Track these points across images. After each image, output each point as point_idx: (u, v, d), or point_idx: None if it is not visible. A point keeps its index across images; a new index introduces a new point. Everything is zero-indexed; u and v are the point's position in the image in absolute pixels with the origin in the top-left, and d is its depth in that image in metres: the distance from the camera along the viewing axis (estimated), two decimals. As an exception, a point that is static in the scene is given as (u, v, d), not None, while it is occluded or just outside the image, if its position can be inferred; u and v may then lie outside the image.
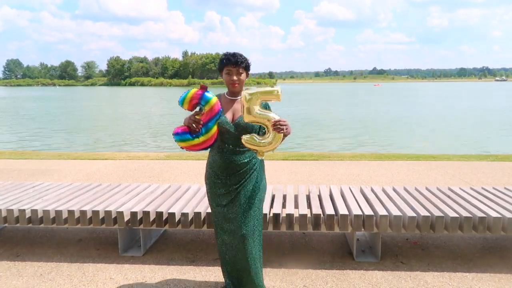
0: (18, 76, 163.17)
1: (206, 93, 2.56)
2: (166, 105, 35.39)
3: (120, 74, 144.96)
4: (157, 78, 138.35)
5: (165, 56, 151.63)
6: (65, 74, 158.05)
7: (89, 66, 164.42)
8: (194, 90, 2.58)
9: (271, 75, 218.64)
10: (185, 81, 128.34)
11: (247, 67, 2.67)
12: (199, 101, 2.56)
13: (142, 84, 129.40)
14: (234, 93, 2.72)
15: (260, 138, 2.50)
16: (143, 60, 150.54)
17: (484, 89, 79.54)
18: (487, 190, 3.87)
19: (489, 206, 3.35)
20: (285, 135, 2.47)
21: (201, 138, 2.56)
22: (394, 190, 3.90)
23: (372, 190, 3.87)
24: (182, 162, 7.73)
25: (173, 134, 2.59)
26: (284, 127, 2.43)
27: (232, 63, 2.61)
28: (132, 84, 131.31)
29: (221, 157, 2.66)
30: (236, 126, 2.63)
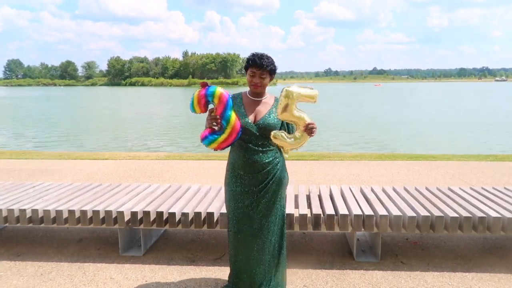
0: (19, 76, 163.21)
1: (208, 88, 2.55)
2: (167, 106, 35.43)
3: (121, 74, 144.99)
4: (157, 78, 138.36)
5: (165, 56, 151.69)
6: (65, 74, 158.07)
7: (89, 66, 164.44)
8: (197, 92, 2.56)
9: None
10: (185, 81, 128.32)
11: (271, 71, 2.63)
12: (206, 98, 2.54)
13: (143, 84, 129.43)
14: (256, 94, 2.69)
15: (289, 136, 2.53)
16: (143, 60, 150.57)
17: (484, 90, 79.52)
18: (487, 190, 3.87)
19: (489, 206, 3.35)
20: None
21: (227, 131, 2.52)
22: (394, 190, 3.90)
23: (372, 190, 3.87)
24: (183, 162, 7.73)
25: (201, 140, 2.58)
26: (315, 130, 2.49)
27: (257, 66, 2.58)
28: (132, 84, 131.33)
29: (243, 157, 2.62)
30: (259, 127, 2.60)
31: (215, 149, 2.60)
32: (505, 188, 3.93)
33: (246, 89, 2.77)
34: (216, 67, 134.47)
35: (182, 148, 13.15)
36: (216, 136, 2.54)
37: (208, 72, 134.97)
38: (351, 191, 3.86)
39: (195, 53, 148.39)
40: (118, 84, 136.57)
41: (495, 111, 26.75)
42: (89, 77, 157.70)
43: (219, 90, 2.54)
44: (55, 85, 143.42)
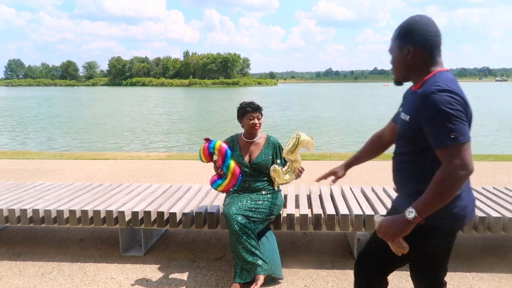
0: (20, 76, 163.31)
1: (211, 142, 3.11)
2: (168, 106, 35.41)
3: (122, 74, 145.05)
4: (158, 78, 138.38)
5: (166, 56, 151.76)
6: (66, 74, 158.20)
7: (90, 66, 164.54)
8: (202, 145, 3.14)
9: (272, 75, 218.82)
10: (186, 81, 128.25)
11: (261, 111, 3.28)
12: (209, 150, 3.10)
13: (143, 84, 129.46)
14: (251, 135, 3.27)
15: (284, 173, 3.09)
16: (144, 60, 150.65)
17: (485, 89, 79.50)
18: (487, 190, 3.87)
19: (489, 206, 3.35)
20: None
21: (228, 177, 3.08)
22: (395, 190, 3.89)
23: (373, 190, 3.87)
24: (183, 162, 7.73)
25: (210, 184, 3.17)
26: (300, 175, 3.10)
27: (254, 110, 3.20)
28: (133, 84, 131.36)
29: (239, 184, 3.17)
30: (252, 166, 3.19)
31: (222, 192, 3.22)
32: (505, 188, 3.92)
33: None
34: (217, 67, 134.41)
35: (183, 148, 13.16)
36: (220, 181, 3.12)
37: (209, 72, 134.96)
38: (351, 191, 3.86)
39: (196, 53, 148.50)
40: (119, 84, 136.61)
41: (496, 110, 26.73)
42: (90, 77, 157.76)
43: (218, 143, 3.09)
44: (55, 85, 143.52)
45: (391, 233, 1.58)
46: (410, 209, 1.55)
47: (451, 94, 1.54)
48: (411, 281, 3.02)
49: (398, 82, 1.83)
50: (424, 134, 1.60)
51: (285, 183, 3.16)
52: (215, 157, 3.13)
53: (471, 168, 1.51)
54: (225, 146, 3.12)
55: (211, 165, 3.20)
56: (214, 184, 3.14)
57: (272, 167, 3.12)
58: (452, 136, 1.50)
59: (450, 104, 1.52)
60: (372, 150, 2.19)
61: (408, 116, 1.70)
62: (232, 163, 3.08)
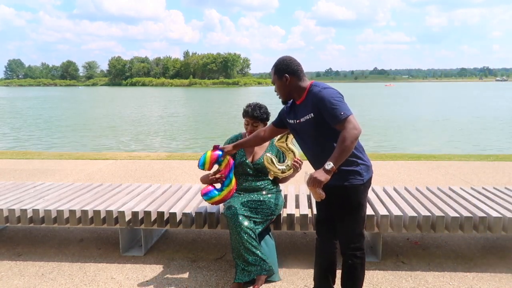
0: (20, 76, 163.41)
1: (221, 152, 2.88)
2: (169, 105, 35.38)
3: (122, 74, 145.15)
4: (158, 78, 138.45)
5: (166, 56, 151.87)
6: (66, 74, 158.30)
7: (90, 66, 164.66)
8: (210, 153, 2.87)
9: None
10: (186, 81, 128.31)
11: (263, 119, 3.12)
12: (218, 159, 2.88)
13: (143, 84, 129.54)
14: None
15: (278, 164, 2.90)
16: (144, 60, 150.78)
17: (485, 89, 79.45)
18: (487, 190, 3.87)
19: (489, 206, 3.35)
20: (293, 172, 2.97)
21: (225, 190, 2.90)
22: (395, 190, 3.90)
23: (373, 190, 3.87)
24: (183, 162, 7.73)
25: (202, 196, 2.93)
26: (299, 167, 2.89)
27: (249, 116, 3.10)
28: (133, 84, 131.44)
29: (240, 184, 3.15)
30: (255, 167, 3.14)
31: (213, 204, 2.98)
32: (506, 188, 3.92)
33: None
34: (217, 67, 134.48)
35: (183, 148, 13.16)
36: (215, 193, 2.90)
37: (209, 72, 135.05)
38: (351, 191, 3.85)
39: (196, 53, 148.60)
40: (119, 84, 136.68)
41: (496, 110, 26.73)
42: (90, 77, 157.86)
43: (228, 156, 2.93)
44: (56, 85, 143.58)
45: (318, 180, 2.11)
46: (328, 162, 2.11)
47: (330, 88, 2.28)
48: (411, 281, 3.03)
49: (285, 102, 2.53)
50: (325, 122, 2.24)
51: (283, 176, 2.96)
52: (216, 167, 2.95)
53: (360, 129, 2.13)
54: (232, 161, 2.97)
55: None
56: (206, 196, 2.90)
57: (264, 156, 2.89)
58: (342, 113, 2.15)
59: (333, 94, 2.24)
60: (255, 141, 2.85)
61: (311, 114, 2.30)
62: (234, 179, 2.95)
